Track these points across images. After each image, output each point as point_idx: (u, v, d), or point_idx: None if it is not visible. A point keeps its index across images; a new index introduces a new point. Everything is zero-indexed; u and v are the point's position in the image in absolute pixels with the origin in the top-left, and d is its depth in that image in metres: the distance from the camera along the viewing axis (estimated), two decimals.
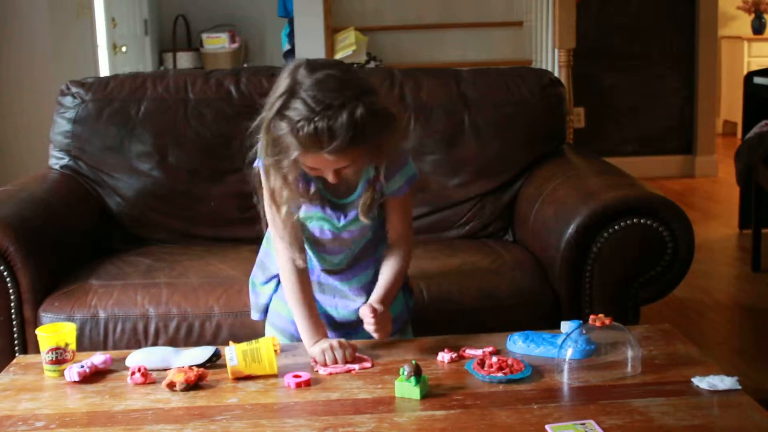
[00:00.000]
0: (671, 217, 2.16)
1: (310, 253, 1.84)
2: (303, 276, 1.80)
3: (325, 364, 1.69)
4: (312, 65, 1.61)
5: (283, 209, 1.73)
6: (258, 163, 1.76)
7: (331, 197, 1.77)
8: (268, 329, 1.99)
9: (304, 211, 1.76)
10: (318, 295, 1.87)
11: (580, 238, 2.16)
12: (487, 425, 1.44)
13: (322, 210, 1.76)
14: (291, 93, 1.58)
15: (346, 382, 1.63)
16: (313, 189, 1.74)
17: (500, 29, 5.63)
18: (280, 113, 1.58)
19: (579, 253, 2.17)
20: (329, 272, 1.87)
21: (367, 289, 1.86)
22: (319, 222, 1.78)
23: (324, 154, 1.58)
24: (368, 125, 1.57)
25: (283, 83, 1.60)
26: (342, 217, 1.77)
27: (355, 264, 1.87)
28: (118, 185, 2.63)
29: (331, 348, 1.71)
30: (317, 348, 1.72)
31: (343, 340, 1.74)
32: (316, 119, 1.54)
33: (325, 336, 1.78)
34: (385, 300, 1.78)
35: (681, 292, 3.31)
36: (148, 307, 2.18)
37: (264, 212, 1.83)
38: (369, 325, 1.73)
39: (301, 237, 1.80)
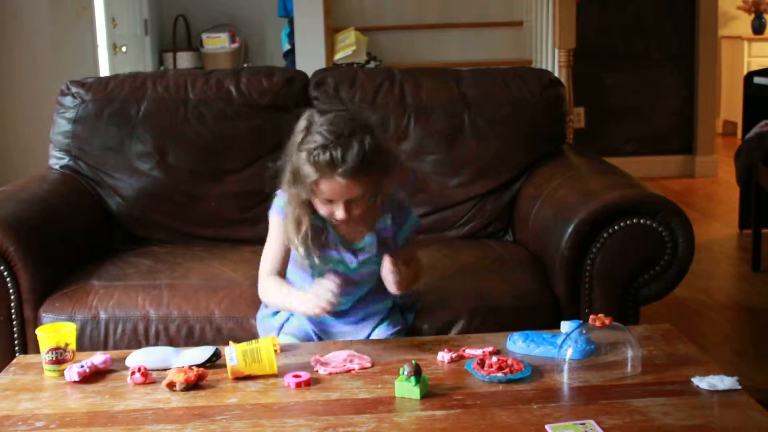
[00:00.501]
0: (671, 217, 2.16)
1: None
2: (282, 280, 1.93)
3: (323, 308, 1.72)
4: (324, 111, 1.88)
5: (302, 250, 1.86)
6: (272, 212, 1.93)
7: (345, 242, 1.92)
8: (286, 339, 1.98)
9: (322, 256, 1.89)
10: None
11: (580, 238, 2.16)
12: (487, 425, 1.44)
13: (338, 253, 1.91)
14: (307, 130, 1.80)
15: (346, 382, 1.63)
16: (328, 235, 1.90)
17: (500, 29, 5.63)
18: (300, 147, 1.80)
19: (579, 253, 2.17)
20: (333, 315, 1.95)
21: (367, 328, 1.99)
22: (335, 265, 1.91)
23: (336, 178, 1.75)
24: (375, 155, 1.77)
25: (300, 125, 1.83)
26: (354, 260, 1.92)
27: (361, 310, 1.98)
28: (118, 185, 2.63)
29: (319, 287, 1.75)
30: (309, 295, 1.76)
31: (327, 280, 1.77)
32: (330, 146, 1.75)
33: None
34: (407, 256, 1.91)
35: (681, 292, 3.31)
36: (148, 309, 2.18)
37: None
38: (389, 274, 1.84)
39: (283, 275, 1.94)
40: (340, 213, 1.80)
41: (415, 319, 2.09)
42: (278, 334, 2.00)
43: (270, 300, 1.93)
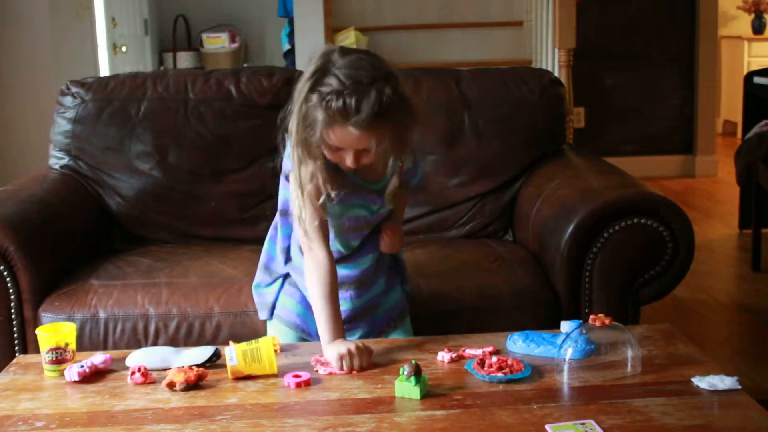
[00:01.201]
0: (671, 217, 2.16)
1: (334, 245, 1.87)
2: (333, 275, 1.79)
3: (341, 369, 1.67)
4: (345, 50, 1.72)
5: (322, 198, 1.75)
6: (286, 165, 1.82)
7: (364, 182, 1.83)
8: (275, 325, 1.98)
9: (344, 201, 1.81)
10: None
11: (580, 238, 2.16)
12: (487, 425, 1.44)
13: (360, 198, 1.84)
14: (324, 71, 1.67)
15: (346, 382, 1.63)
16: (345, 176, 1.80)
17: (500, 29, 5.63)
18: (312, 89, 1.67)
19: (579, 253, 2.17)
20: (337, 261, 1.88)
21: (371, 274, 1.94)
22: (357, 210, 1.85)
23: (349, 127, 1.65)
24: (393, 106, 1.66)
25: (315, 64, 1.70)
26: (378, 201, 1.86)
27: (361, 250, 1.93)
28: (118, 185, 2.63)
29: (350, 354, 1.67)
30: (335, 352, 1.68)
31: (360, 343, 1.69)
32: (345, 92, 1.63)
33: (343, 337, 1.75)
34: (398, 222, 1.95)
35: (681, 292, 3.32)
36: (148, 307, 2.18)
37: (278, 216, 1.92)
38: (385, 241, 1.88)
39: (328, 234, 1.82)
40: (349, 161, 1.71)
41: (415, 319, 2.08)
42: (270, 317, 2.00)
43: (308, 288, 1.81)
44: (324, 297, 1.77)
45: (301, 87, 1.70)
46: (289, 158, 1.80)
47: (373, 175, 1.84)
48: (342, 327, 1.77)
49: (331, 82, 1.65)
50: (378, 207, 1.87)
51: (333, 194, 1.76)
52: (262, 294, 2.03)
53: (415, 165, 1.94)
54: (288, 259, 1.96)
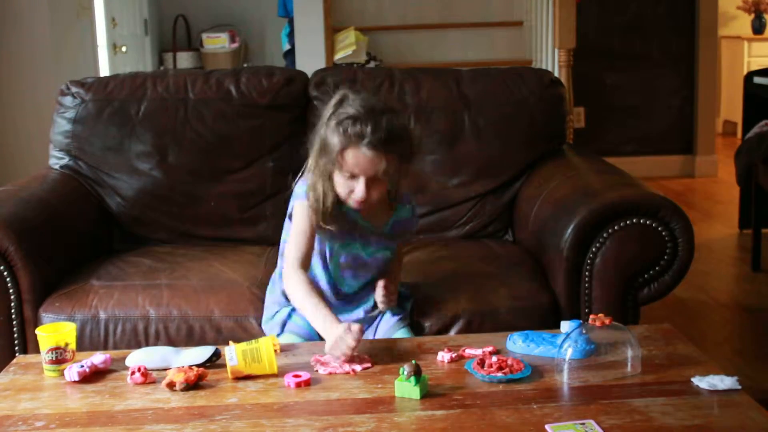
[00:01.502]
0: (671, 217, 2.16)
1: (327, 282, 1.99)
2: (311, 284, 1.89)
3: (337, 359, 1.69)
4: (358, 91, 1.96)
5: (319, 219, 1.88)
6: (295, 199, 1.94)
7: (368, 223, 1.96)
8: (285, 337, 1.99)
9: (343, 237, 1.94)
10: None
11: (580, 238, 2.16)
12: (487, 425, 1.44)
13: (360, 238, 1.96)
14: (340, 104, 1.87)
15: (346, 382, 1.63)
16: (347, 214, 1.94)
17: (500, 29, 5.63)
18: (330, 117, 1.85)
19: (579, 253, 2.17)
20: (340, 298, 2.01)
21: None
22: (353, 249, 1.97)
23: (362, 149, 1.80)
24: (401, 135, 1.85)
25: (333, 100, 1.89)
26: (375, 244, 1.99)
27: (362, 290, 2.03)
28: (118, 185, 2.63)
29: (340, 339, 1.70)
30: (332, 337, 1.72)
31: (347, 325, 1.72)
32: (361, 118, 1.82)
33: (335, 320, 1.78)
34: (395, 280, 2.04)
35: (681, 292, 3.31)
36: (148, 309, 2.18)
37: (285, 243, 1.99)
38: (380, 297, 1.97)
39: (309, 264, 1.94)
40: (360, 189, 1.84)
41: (415, 319, 2.09)
42: (281, 332, 2.01)
43: (293, 298, 1.91)
44: (310, 300, 1.83)
45: (323, 117, 1.88)
46: (295, 197, 1.94)
47: (375, 219, 1.98)
48: (334, 315, 1.80)
49: (348, 110, 1.84)
50: (374, 249, 1.99)
51: (330, 219, 1.88)
52: (272, 324, 2.07)
53: (413, 213, 2.08)
54: None
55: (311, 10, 4.89)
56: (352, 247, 1.97)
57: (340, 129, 1.82)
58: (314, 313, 1.81)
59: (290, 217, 1.97)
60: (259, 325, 2.11)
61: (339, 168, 1.84)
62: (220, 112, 2.66)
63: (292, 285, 1.89)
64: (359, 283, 2.01)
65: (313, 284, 1.90)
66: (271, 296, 2.10)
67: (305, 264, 1.91)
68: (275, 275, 2.10)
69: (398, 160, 1.86)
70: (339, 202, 1.90)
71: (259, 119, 2.65)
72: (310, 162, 1.90)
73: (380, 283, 1.98)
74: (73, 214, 2.49)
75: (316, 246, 1.95)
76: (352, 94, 1.88)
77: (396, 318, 2.01)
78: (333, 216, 1.89)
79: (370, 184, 1.84)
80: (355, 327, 1.70)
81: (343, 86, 1.99)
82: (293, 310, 2.00)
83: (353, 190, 1.85)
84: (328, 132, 1.84)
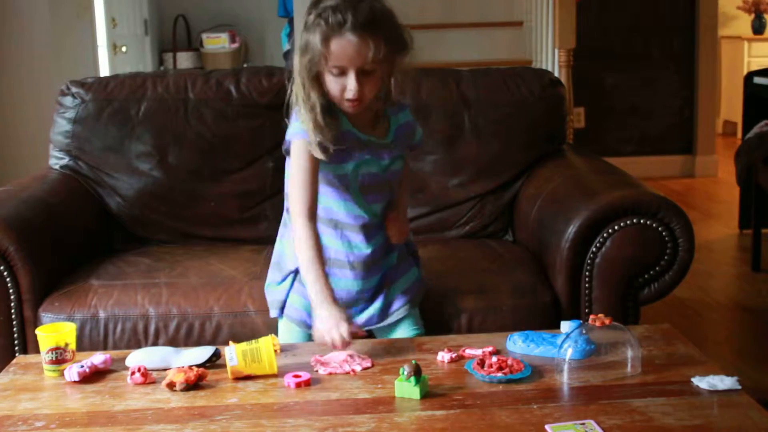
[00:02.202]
0: (671, 217, 2.16)
1: (352, 206, 1.92)
2: (317, 247, 1.83)
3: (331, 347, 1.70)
4: None
5: (317, 151, 1.80)
6: (291, 137, 1.86)
7: (370, 137, 1.90)
8: (285, 324, 2.00)
9: (356, 159, 1.87)
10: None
11: (580, 238, 2.16)
12: (486, 425, 1.44)
13: (369, 153, 1.89)
14: (318, 1, 1.79)
15: (346, 382, 1.63)
16: (350, 135, 1.87)
17: (500, 29, 5.62)
18: (310, 12, 1.78)
19: (579, 253, 2.17)
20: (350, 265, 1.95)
21: (383, 251, 1.99)
22: (368, 166, 1.90)
23: (346, 34, 1.74)
24: (385, 18, 1.80)
25: (310, 2, 1.81)
26: (387, 156, 1.92)
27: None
28: (118, 185, 2.63)
29: (335, 328, 1.70)
30: (323, 319, 1.72)
31: (339, 322, 1.71)
32: (340, 6, 1.75)
33: (331, 299, 1.76)
34: (403, 209, 2.02)
35: (681, 292, 3.32)
36: (148, 307, 2.18)
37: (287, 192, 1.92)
38: (391, 230, 1.95)
39: (316, 212, 1.86)
40: (351, 82, 1.77)
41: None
42: (280, 315, 2.00)
43: (298, 256, 1.84)
44: (307, 263, 1.80)
45: (302, 26, 1.81)
46: (290, 135, 1.86)
47: (377, 130, 1.92)
48: (329, 287, 1.78)
49: (327, 3, 1.77)
50: (388, 162, 1.93)
51: (331, 136, 1.80)
52: (272, 292, 2.04)
53: (414, 121, 2.01)
54: None
55: None
56: (366, 166, 1.90)
57: (321, 21, 1.76)
58: (313, 284, 1.78)
59: (287, 153, 1.90)
60: (261, 321, 2.11)
61: (325, 64, 1.77)
62: (220, 112, 2.66)
63: (297, 242, 1.83)
64: (382, 205, 1.95)
65: (319, 244, 1.83)
66: (277, 259, 2.03)
67: (312, 212, 1.84)
68: (281, 230, 2.03)
69: (386, 46, 1.79)
70: (333, 117, 1.83)
71: (259, 119, 2.65)
72: (294, 70, 1.82)
73: (389, 216, 1.95)
74: (73, 214, 2.49)
75: (332, 178, 1.88)
76: None
77: (405, 299, 2.00)
78: (331, 131, 1.81)
79: (361, 77, 1.78)
80: (344, 328, 1.69)
81: None
82: (291, 286, 1.97)
83: (345, 87, 1.78)
84: (309, 30, 1.78)
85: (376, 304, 1.98)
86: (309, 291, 1.80)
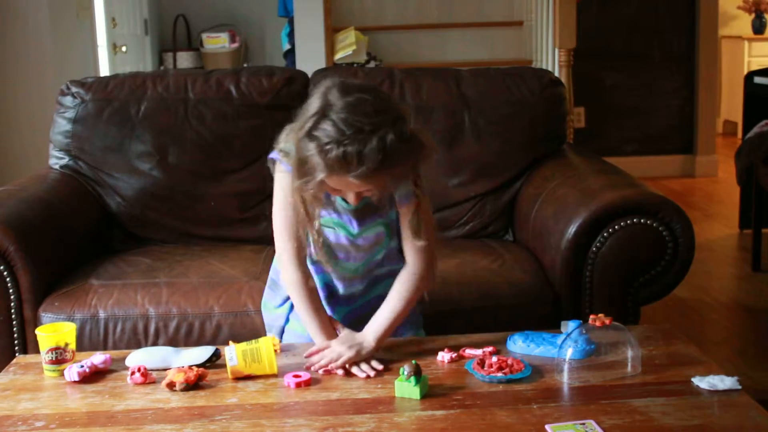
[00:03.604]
0: (671, 217, 2.16)
1: (326, 264, 1.79)
2: (309, 288, 1.77)
3: (325, 368, 1.67)
4: (345, 87, 1.59)
5: (297, 227, 1.72)
6: (274, 157, 1.74)
7: (340, 200, 1.74)
8: (291, 335, 1.95)
9: (323, 216, 1.74)
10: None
11: (580, 238, 2.16)
12: (487, 425, 1.44)
13: (338, 216, 1.75)
14: (322, 114, 1.55)
15: (346, 382, 1.63)
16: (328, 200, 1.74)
17: (500, 29, 5.63)
18: (310, 134, 1.56)
19: (579, 252, 2.17)
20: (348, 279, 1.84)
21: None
22: (334, 228, 1.76)
23: (350, 178, 1.56)
24: (397, 152, 1.55)
25: (314, 103, 1.59)
26: (357, 224, 1.76)
27: (374, 279, 1.85)
28: (118, 185, 2.63)
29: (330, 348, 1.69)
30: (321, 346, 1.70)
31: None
32: (345, 142, 1.52)
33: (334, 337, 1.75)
34: (381, 338, 1.72)
35: (681, 292, 3.32)
36: (148, 307, 2.18)
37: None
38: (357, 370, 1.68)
39: (304, 252, 1.77)
40: (350, 199, 1.64)
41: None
42: (282, 329, 1.98)
43: (292, 299, 1.80)
44: (306, 310, 1.76)
45: (299, 127, 1.59)
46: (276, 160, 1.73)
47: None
48: (331, 329, 1.76)
49: (329, 129, 1.54)
50: (358, 231, 1.76)
51: (317, 212, 1.69)
52: (270, 315, 1.98)
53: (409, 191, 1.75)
54: None
55: (311, 10, 4.89)
56: (332, 227, 1.75)
57: (323, 154, 1.53)
58: (309, 325, 1.76)
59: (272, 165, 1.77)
60: (261, 321, 2.11)
61: (325, 184, 1.60)
62: (220, 112, 2.66)
63: (288, 286, 1.79)
64: (357, 265, 1.81)
65: (310, 286, 1.76)
66: (273, 275, 1.95)
67: (300, 253, 1.74)
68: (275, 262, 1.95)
69: (394, 175, 1.60)
70: None
71: (259, 119, 2.65)
72: (289, 166, 1.64)
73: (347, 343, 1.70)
74: (73, 214, 2.49)
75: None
76: (338, 94, 1.56)
77: (410, 333, 1.91)
78: (315, 205, 1.68)
79: (361, 193, 1.64)
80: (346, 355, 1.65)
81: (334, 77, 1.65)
82: (290, 310, 1.93)
83: (345, 195, 1.65)
84: (307, 151, 1.56)
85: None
86: (307, 329, 1.78)
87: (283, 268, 1.79)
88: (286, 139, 1.66)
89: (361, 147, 1.52)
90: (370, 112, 1.54)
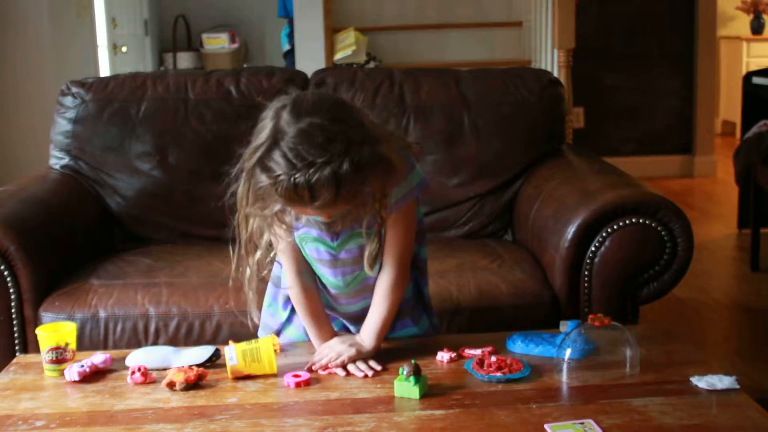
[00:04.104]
0: (670, 217, 2.16)
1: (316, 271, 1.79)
2: (309, 291, 1.77)
3: (326, 367, 1.68)
4: (297, 110, 1.50)
5: (269, 239, 1.68)
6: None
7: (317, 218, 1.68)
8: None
9: (299, 232, 1.72)
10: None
11: (580, 238, 2.16)
12: (486, 425, 1.44)
13: (317, 231, 1.71)
14: (273, 142, 1.48)
15: (346, 382, 1.63)
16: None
17: (500, 29, 5.63)
18: (261, 163, 1.49)
19: (578, 252, 2.17)
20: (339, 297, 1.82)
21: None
22: (314, 243, 1.72)
23: (308, 210, 1.53)
24: (352, 181, 1.47)
25: (266, 128, 1.51)
26: (335, 237, 1.71)
27: (365, 290, 1.80)
28: (118, 185, 2.63)
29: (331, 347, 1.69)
30: (324, 348, 1.70)
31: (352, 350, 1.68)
32: (296, 176, 1.45)
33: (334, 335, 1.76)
34: (379, 336, 1.72)
35: (680, 292, 3.32)
36: (148, 307, 2.19)
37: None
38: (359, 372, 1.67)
39: (297, 257, 1.76)
40: (321, 218, 1.63)
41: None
42: (278, 333, 1.99)
43: (294, 304, 1.80)
44: (305, 316, 1.77)
45: (250, 154, 1.52)
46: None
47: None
48: (331, 333, 1.77)
49: (279, 161, 1.46)
50: (337, 244, 1.71)
51: (288, 220, 1.64)
52: (267, 314, 1.95)
53: (404, 175, 1.65)
54: None
55: (311, 11, 4.90)
56: (312, 242, 1.72)
57: (276, 189, 1.47)
58: (309, 329, 1.78)
59: None
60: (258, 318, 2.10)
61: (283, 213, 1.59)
62: (220, 112, 2.66)
63: (292, 296, 1.80)
64: (346, 279, 1.76)
65: (314, 291, 1.76)
66: (276, 272, 1.91)
67: (299, 265, 1.75)
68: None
69: (361, 198, 1.53)
70: None
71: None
72: (241, 204, 1.59)
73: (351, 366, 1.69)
74: (73, 214, 2.49)
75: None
76: (289, 118, 1.48)
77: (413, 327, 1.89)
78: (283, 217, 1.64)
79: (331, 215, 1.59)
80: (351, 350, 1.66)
81: (303, 90, 1.55)
82: (289, 318, 1.92)
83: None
84: (260, 182, 1.50)
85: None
86: (311, 338, 1.78)
87: (288, 283, 1.79)
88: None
89: (312, 180, 1.44)
90: (322, 142, 1.46)
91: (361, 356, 1.69)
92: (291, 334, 1.90)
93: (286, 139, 1.47)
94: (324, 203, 1.48)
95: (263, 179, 1.49)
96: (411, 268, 1.77)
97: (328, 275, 1.77)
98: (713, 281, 3.77)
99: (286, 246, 1.72)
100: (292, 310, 1.88)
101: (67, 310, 2.17)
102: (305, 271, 1.77)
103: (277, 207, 1.55)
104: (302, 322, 1.81)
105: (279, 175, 1.46)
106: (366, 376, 1.65)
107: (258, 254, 1.66)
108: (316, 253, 1.74)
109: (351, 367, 1.67)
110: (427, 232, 2.58)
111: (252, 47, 6.45)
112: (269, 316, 1.95)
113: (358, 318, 1.80)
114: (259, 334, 1.93)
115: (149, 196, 2.63)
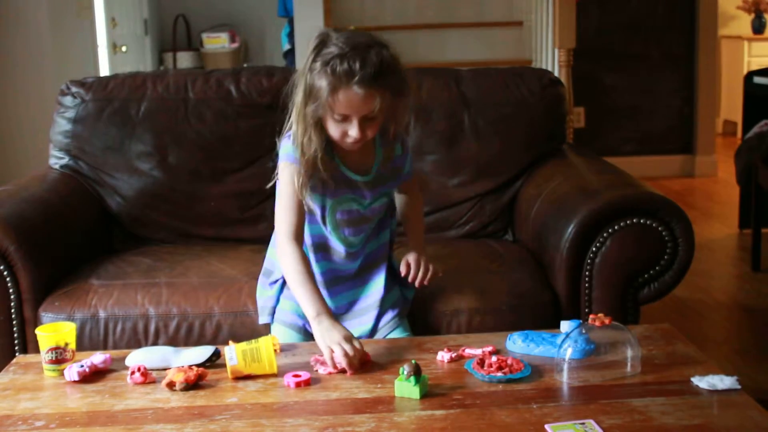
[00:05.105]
0: (671, 217, 2.16)
1: (334, 241, 1.95)
2: (305, 264, 1.84)
3: (333, 366, 1.67)
4: (339, 29, 1.83)
5: (305, 191, 1.85)
6: (282, 160, 1.89)
7: (353, 175, 1.91)
8: (276, 328, 2.00)
9: (336, 194, 1.89)
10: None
11: (580, 238, 2.16)
12: (486, 425, 1.44)
13: (351, 192, 1.91)
14: (323, 43, 1.76)
15: (346, 382, 1.63)
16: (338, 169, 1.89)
17: (500, 29, 5.63)
18: (315, 59, 1.75)
19: (579, 252, 2.17)
20: (340, 280, 1.98)
21: (369, 271, 2.01)
22: (348, 204, 1.91)
23: (354, 87, 1.72)
24: (391, 68, 1.77)
25: (312, 43, 1.78)
26: (368, 195, 1.92)
27: (362, 248, 1.99)
28: (118, 185, 2.63)
29: (340, 346, 1.68)
30: (324, 345, 1.69)
31: (355, 342, 1.69)
32: (348, 55, 1.73)
33: (328, 311, 1.77)
34: (420, 245, 2.03)
35: (681, 292, 3.32)
36: (148, 307, 2.18)
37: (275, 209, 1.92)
38: (412, 278, 1.96)
39: (302, 230, 1.89)
40: (354, 131, 1.77)
41: (415, 319, 2.09)
42: (272, 321, 2.02)
43: (287, 278, 1.87)
44: (301, 281, 1.81)
45: (305, 63, 1.77)
46: (281, 158, 1.88)
47: (362, 166, 1.92)
48: (323, 301, 1.80)
49: (332, 50, 1.74)
50: (369, 201, 1.94)
51: (324, 176, 1.84)
52: (262, 298, 2.06)
53: (405, 151, 2.00)
54: None
55: (311, 10, 4.90)
56: (347, 203, 1.92)
57: (328, 70, 1.73)
58: (306, 300, 1.79)
59: (275, 168, 1.93)
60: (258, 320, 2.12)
61: (330, 111, 1.76)
62: (220, 112, 2.66)
63: (284, 264, 1.86)
64: (360, 237, 1.96)
65: (307, 261, 1.85)
66: (267, 265, 2.07)
67: (298, 235, 1.86)
68: (273, 237, 2.04)
69: (390, 96, 1.78)
70: (328, 156, 1.85)
71: (259, 119, 2.65)
72: (295, 112, 1.81)
73: (404, 262, 1.97)
74: (73, 214, 2.49)
75: (312, 205, 1.89)
76: (333, 32, 1.78)
77: (394, 312, 1.99)
78: (326, 172, 1.84)
79: (363, 123, 1.78)
80: (354, 348, 1.67)
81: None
82: (281, 291, 2.00)
83: (347, 132, 1.79)
84: (314, 76, 1.75)
85: (365, 323, 1.97)
86: (303, 307, 1.81)
87: (279, 242, 1.88)
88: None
89: (362, 58, 1.73)
90: (365, 36, 1.80)
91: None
92: (286, 306, 1.99)
93: (334, 39, 1.76)
94: (370, 75, 1.72)
95: (317, 67, 1.74)
96: (387, 245, 2.04)
97: (348, 234, 1.94)
98: (714, 281, 3.77)
99: (294, 209, 1.86)
100: (281, 287, 2.01)
101: (67, 310, 2.17)
102: (302, 242, 1.90)
103: (327, 93, 1.74)
104: (292, 286, 1.83)
105: (332, 57, 1.73)
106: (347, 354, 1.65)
107: (305, 192, 1.85)
108: (347, 214, 1.92)
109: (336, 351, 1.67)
110: (427, 232, 2.60)
111: (252, 47, 6.46)
112: (263, 298, 2.06)
113: (350, 299, 2.00)
114: (260, 320, 2.07)
115: (149, 196, 2.63)
